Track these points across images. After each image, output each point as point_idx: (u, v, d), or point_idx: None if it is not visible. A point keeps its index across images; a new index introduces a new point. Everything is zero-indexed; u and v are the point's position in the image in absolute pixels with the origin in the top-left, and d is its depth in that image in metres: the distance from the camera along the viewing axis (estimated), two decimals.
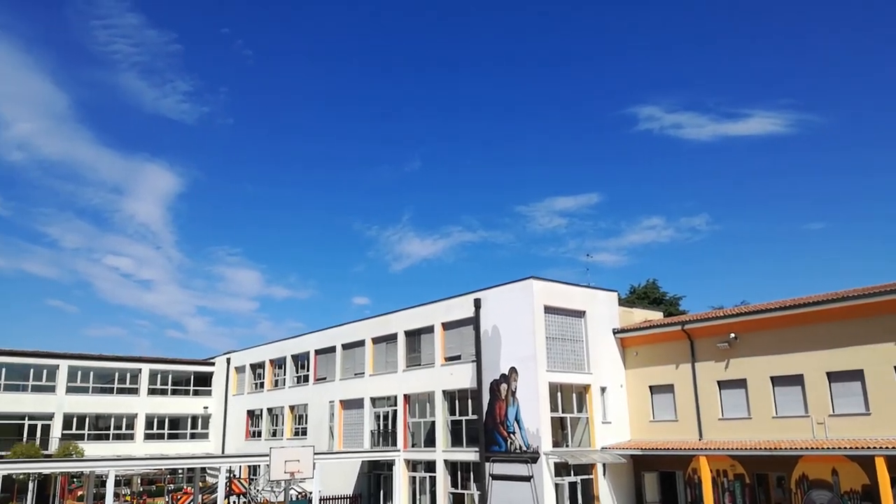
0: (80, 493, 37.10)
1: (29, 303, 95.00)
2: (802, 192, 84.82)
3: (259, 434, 42.18)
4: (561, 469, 25.03)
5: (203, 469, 37.27)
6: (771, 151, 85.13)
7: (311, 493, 28.79)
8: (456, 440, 28.62)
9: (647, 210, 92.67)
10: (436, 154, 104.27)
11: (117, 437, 43.47)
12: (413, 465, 30.55)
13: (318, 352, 38.24)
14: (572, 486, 25.27)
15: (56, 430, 40.91)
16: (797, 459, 22.57)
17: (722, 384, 25.18)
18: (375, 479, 32.75)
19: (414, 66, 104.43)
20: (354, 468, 33.44)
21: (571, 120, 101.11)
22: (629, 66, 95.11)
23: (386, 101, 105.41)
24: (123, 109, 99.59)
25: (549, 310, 26.51)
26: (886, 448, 19.70)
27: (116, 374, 44.53)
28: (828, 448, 21.12)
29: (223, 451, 44.57)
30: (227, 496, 32.23)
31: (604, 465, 26.12)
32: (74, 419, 41.96)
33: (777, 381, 23.65)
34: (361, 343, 34.76)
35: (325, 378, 37.26)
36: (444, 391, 29.31)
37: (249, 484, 37.24)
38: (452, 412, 29.03)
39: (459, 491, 27.95)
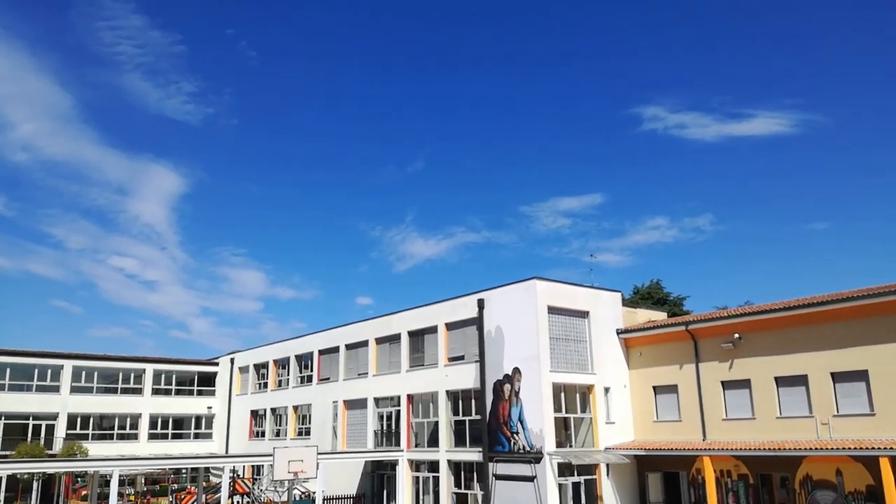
0: (84, 492, 37.19)
1: (34, 303, 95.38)
2: (806, 192, 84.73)
3: (263, 434, 42.24)
4: (564, 469, 25.02)
5: (207, 469, 37.33)
6: (775, 151, 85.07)
7: (314, 492, 28.84)
8: (459, 440, 28.62)
9: (650, 210, 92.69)
10: (439, 154, 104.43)
11: (121, 437, 43.58)
12: (416, 466, 30.56)
13: (321, 352, 38.29)
14: (576, 486, 25.26)
15: (60, 430, 41.03)
16: (801, 460, 22.53)
17: (726, 384, 25.15)
18: (379, 479, 32.78)
19: (418, 67, 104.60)
20: (358, 468, 33.47)
21: (575, 120, 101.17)
22: (633, 66, 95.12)
23: (389, 101, 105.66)
24: (128, 110, 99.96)
25: (552, 310, 26.50)
26: (891, 448, 19.65)
27: (121, 375, 44.67)
28: (832, 448, 21.08)
29: (227, 451, 44.63)
30: (231, 496, 32.30)
31: (607, 465, 26.10)
32: (79, 419, 42.09)
33: (781, 381, 23.61)
34: (365, 343, 34.80)
35: (328, 378, 37.30)
36: (447, 391, 29.32)
37: (253, 484, 37.31)
38: (456, 412, 29.03)
39: (463, 491, 27.95)
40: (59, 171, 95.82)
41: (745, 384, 24.54)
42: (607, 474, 26.18)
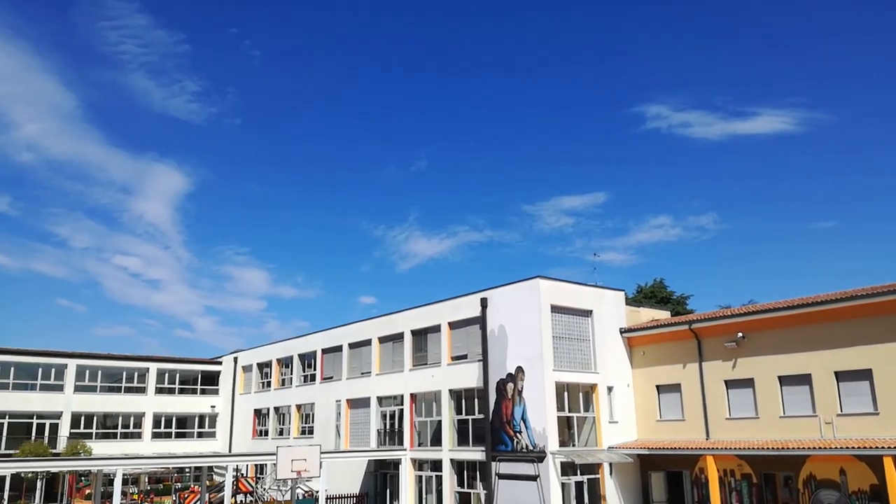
0: (87, 491, 37.30)
1: (38, 302, 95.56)
2: (811, 191, 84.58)
3: (266, 433, 42.29)
4: (567, 468, 25.01)
5: (210, 468, 37.43)
6: (779, 150, 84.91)
7: (317, 491, 28.85)
8: (462, 439, 28.63)
9: (654, 209, 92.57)
10: (442, 154, 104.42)
11: (125, 436, 43.68)
12: (419, 465, 30.57)
13: (324, 351, 38.32)
14: (579, 485, 25.25)
15: (64, 429, 41.11)
16: (805, 459, 22.49)
17: (729, 384, 25.11)
18: (382, 478, 32.80)
19: (421, 67, 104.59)
20: (361, 467, 33.50)
21: (578, 119, 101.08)
22: (635, 66, 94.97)
23: (392, 101, 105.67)
24: (132, 110, 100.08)
25: (555, 309, 26.49)
26: (895, 448, 19.61)
27: (124, 374, 44.78)
28: (836, 448, 21.03)
29: (230, 450, 44.71)
30: (234, 495, 32.34)
31: (610, 464, 26.08)
32: (82, 418, 42.19)
33: (785, 380, 23.57)
34: (368, 342, 34.82)
35: (331, 377, 37.33)
36: (450, 390, 29.32)
37: (256, 483, 37.33)
38: (459, 411, 29.04)
39: (466, 490, 27.96)
40: (64, 171, 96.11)
41: (748, 383, 24.51)
42: (610, 473, 26.17)
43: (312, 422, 38.04)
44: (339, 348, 36.97)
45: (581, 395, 26.81)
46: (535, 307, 26.06)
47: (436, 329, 30.67)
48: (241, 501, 34.68)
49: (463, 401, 28.91)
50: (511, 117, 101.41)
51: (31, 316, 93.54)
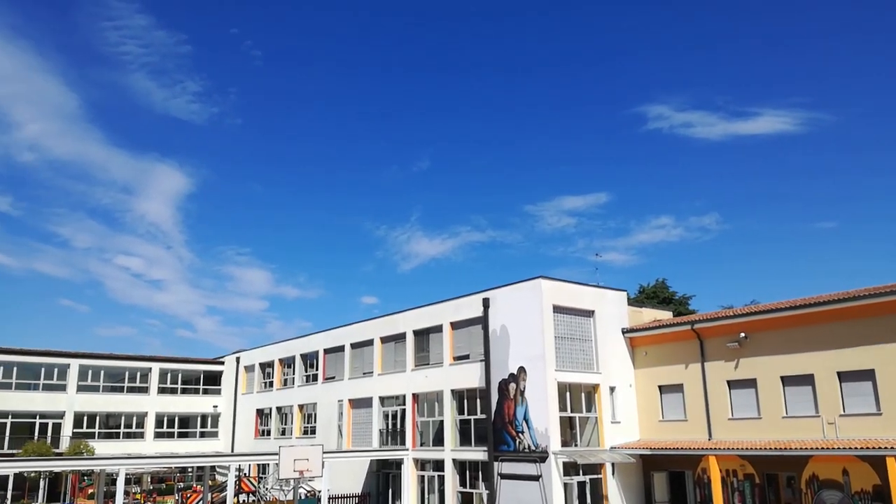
0: (90, 491, 37.33)
1: (40, 302, 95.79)
2: (813, 191, 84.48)
3: (268, 433, 42.34)
4: (570, 468, 25.01)
5: (212, 467, 37.42)
6: (781, 150, 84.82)
7: (319, 491, 28.88)
8: (464, 439, 28.64)
9: (656, 209, 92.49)
10: (444, 154, 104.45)
11: (128, 436, 43.76)
12: (421, 464, 30.59)
13: (326, 351, 38.36)
14: (581, 485, 25.25)
15: (67, 429, 41.21)
16: (807, 459, 22.47)
17: (732, 384, 25.09)
18: (384, 477, 32.82)
19: (421, 67, 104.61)
20: (363, 467, 33.52)
21: (579, 119, 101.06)
22: (637, 66, 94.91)
23: (393, 101, 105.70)
24: (133, 110, 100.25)
25: (557, 309, 26.49)
26: None
27: (127, 373, 44.87)
28: (838, 448, 21.00)
29: (232, 450, 44.76)
30: (237, 494, 32.37)
31: (612, 464, 26.08)
32: (85, 418, 42.26)
33: (787, 380, 23.55)
34: (370, 342, 34.84)
35: (333, 377, 37.36)
36: (452, 390, 29.33)
37: (259, 482, 37.37)
38: (461, 411, 29.05)
39: (468, 490, 27.97)
40: (66, 171, 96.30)
41: (750, 384, 24.49)
42: (612, 474, 26.17)
43: (315, 422, 38.08)
44: (341, 348, 37.00)
45: (583, 395, 26.81)
46: (537, 307, 26.06)
47: (438, 329, 30.69)
48: (244, 501, 34.73)
49: (465, 401, 28.92)
50: (512, 117, 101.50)
51: (33, 316, 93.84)
